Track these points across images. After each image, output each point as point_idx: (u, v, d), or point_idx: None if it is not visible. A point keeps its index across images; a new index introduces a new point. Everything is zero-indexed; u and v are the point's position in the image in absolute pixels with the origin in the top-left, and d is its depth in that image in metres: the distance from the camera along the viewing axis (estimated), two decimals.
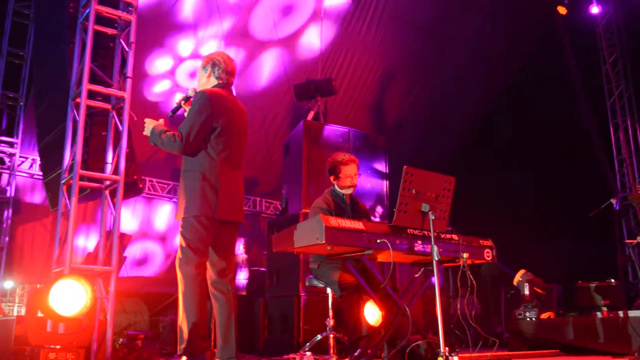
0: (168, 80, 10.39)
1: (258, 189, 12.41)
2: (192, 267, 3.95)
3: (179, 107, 4.32)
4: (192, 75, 10.51)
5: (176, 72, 10.41)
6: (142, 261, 10.95)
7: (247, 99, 10.75)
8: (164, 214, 11.44)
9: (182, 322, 3.91)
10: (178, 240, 4.11)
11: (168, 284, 10.12)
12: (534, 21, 12.71)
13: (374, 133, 9.05)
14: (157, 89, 10.36)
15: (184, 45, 10.23)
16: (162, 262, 11.20)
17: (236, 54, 10.50)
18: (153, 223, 11.33)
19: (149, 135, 4.15)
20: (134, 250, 10.60)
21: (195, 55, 10.37)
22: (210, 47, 10.39)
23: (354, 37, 11.74)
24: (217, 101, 4.13)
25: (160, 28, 9.83)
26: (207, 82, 4.32)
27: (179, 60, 10.32)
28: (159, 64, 10.18)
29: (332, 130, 7.86)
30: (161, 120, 4.24)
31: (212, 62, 4.32)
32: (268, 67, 11.23)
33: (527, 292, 7.27)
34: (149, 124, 4.18)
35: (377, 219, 7.68)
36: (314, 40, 11.22)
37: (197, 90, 4.28)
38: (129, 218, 10.64)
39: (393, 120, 13.07)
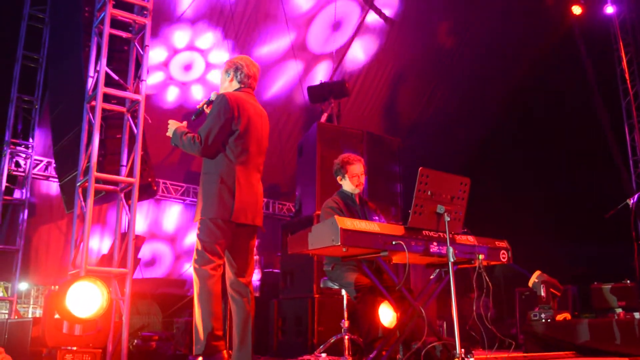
0: (161, 72, 10.31)
1: (271, 191, 12.44)
2: (207, 268, 3.97)
3: (201, 110, 4.34)
4: (187, 67, 10.42)
5: (170, 64, 10.32)
6: (151, 262, 10.99)
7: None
8: (173, 215, 11.49)
9: (198, 323, 3.92)
10: (191, 242, 4.12)
11: (180, 286, 10.19)
12: (549, 21, 12.66)
13: (388, 135, 9.03)
14: (150, 81, 10.28)
15: (179, 36, 10.11)
16: (171, 264, 11.24)
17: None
18: (162, 224, 11.36)
19: (171, 136, 4.20)
20: (143, 252, 10.63)
21: (190, 47, 10.27)
22: (207, 39, 10.30)
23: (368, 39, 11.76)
24: (237, 105, 4.13)
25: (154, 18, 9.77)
26: (229, 86, 4.35)
27: (174, 52, 10.22)
28: (152, 54, 10.10)
29: (346, 132, 7.86)
30: (184, 123, 4.28)
31: (234, 66, 4.33)
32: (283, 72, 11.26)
33: (543, 293, 7.22)
34: (172, 125, 4.23)
35: (383, 220, 7.66)
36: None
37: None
38: (138, 219, 10.66)
39: (407, 122, 13.05)
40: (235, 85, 4.33)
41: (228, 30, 10.35)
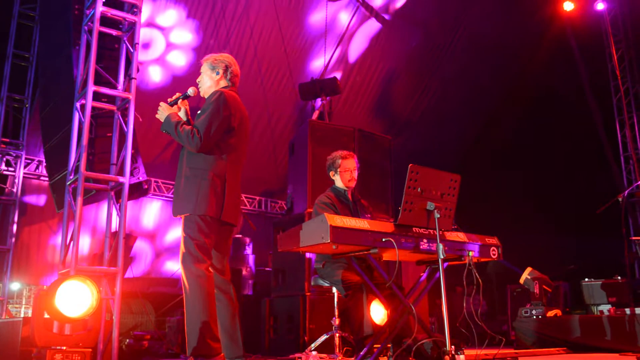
0: None
1: (264, 189, 12.43)
2: (202, 268, 3.90)
3: (174, 103, 4.23)
4: (145, 46, 10.00)
5: None
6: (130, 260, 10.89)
7: (252, 100, 10.78)
8: (153, 212, 11.36)
9: (191, 323, 3.85)
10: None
11: (173, 284, 10.15)
12: (540, 18, 12.69)
13: (379, 132, 9.03)
14: None
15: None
16: (151, 261, 11.14)
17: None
18: (141, 221, 11.26)
19: (161, 120, 4.12)
20: None
21: (150, 24, 9.92)
22: (170, 16, 9.98)
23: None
24: (234, 103, 4.13)
25: None
26: (215, 83, 4.29)
27: None
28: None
29: (337, 129, 7.86)
30: (175, 108, 4.21)
31: (224, 65, 4.29)
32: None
33: (536, 290, 7.25)
34: (165, 110, 4.14)
35: (376, 217, 7.67)
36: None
37: (198, 90, 4.28)
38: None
39: (398, 120, 13.06)
40: (224, 83, 4.30)
41: (192, 9, 10.09)
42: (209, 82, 4.31)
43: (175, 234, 11.21)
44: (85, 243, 9.97)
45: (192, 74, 4.08)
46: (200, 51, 10.34)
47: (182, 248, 3.99)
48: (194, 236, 3.95)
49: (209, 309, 3.86)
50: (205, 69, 4.34)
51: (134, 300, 8.98)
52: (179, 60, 10.39)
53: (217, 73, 4.29)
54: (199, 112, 4.15)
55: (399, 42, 12.10)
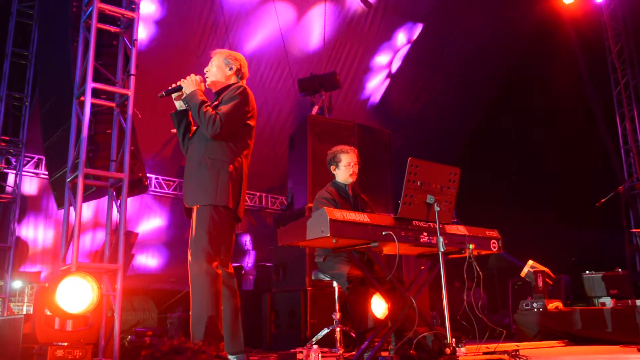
0: None
1: (264, 185, 12.44)
2: (213, 267, 3.85)
3: (172, 92, 4.17)
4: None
5: None
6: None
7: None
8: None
9: (197, 320, 3.79)
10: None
11: (173, 281, 10.16)
12: (539, 11, 12.66)
13: (378, 127, 9.02)
14: None
15: None
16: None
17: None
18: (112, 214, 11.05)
19: (186, 91, 4.08)
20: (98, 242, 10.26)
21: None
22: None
23: (358, 31, 11.74)
24: (253, 102, 4.17)
25: None
26: (225, 78, 4.30)
27: None
28: None
29: (337, 124, 7.86)
30: (203, 86, 4.19)
31: (239, 65, 4.33)
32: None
33: (540, 283, 7.26)
34: (193, 84, 4.10)
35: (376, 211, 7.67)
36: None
37: (204, 79, 4.26)
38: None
39: (398, 114, 13.05)
40: (234, 79, 4.32)
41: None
42: (219, 75, 4.30)
43: (147, 227, 11.12)
44: (86, 240, 9.97)
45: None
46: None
47: (193, 241, 3.91)
48: (208, 229, 3.88)
49: (216, 308, 3.82)
50: (218, 61, 4.32)
51: (137, 298, 9.00)
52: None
53: (231, 69, 4.30)
54: (215, 103, 4.14)
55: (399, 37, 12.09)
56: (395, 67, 12.62)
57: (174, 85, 4.17)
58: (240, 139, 4.11)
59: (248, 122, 4.14)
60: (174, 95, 4.20)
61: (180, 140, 4.29)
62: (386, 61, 12.43)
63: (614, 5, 12.55)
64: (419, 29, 12.10)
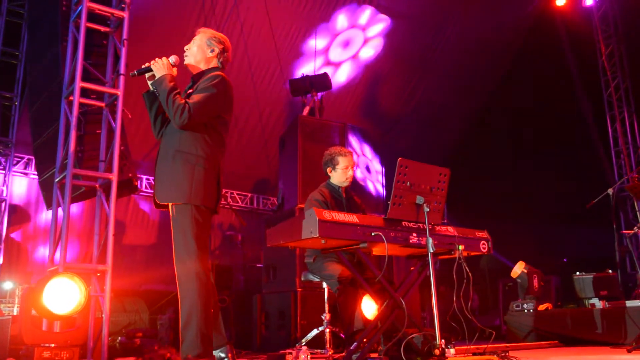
0: None
1: (254, 186, 12.39)
2: (202, 268, 3.73)
3: (142, 73, 3.90)
4: None
5: None
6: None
7: (243, 96, 10.73)
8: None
9: (187, 323, 3.68)
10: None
11: (164, 282, 10.12)
12: (530, 13, 12.70)
13: (369, 128, 9.02)
14: None
15: None
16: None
17: None
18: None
19: (157, 75, 3.82)
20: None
21: None
22: None
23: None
24: (231, 92, 3.97)
25: None
26: (205, 60, 4.07)
27: None
28: None
29: (328, 125, 7.85)
30: (175, 70, 3.91)
31: (222, 47, 4.09)
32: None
33: (535, 283, 7.27)
34: (164, 68, 3.83)
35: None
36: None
37: (182, 59, 4.05)
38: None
39: (389, 115, 13.04)
40: (214, 63, 4.09)
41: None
42: (199, 56, 4.07)
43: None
44: (74, 240, 9.90)
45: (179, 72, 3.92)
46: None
47: (176, 242, 3.79)
48: (194, 232, 3.74)
49: (206, 310, 3.70)
50: (200, 41, 4.09)
51: (128, 299, 8.96)
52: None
53: (212, 51, 4.06)
54: (190, 91, 3.95)
55: (390, 37, 12.06)
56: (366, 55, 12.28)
57: (146, 65, 3.90)
58: (214, 131, 3.90)
59: (223, 115, 3.94)
60: (147, 75, 3.92)
61: (152, 122, 4.04)
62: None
63: (605, 8, 12.60)
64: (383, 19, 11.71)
